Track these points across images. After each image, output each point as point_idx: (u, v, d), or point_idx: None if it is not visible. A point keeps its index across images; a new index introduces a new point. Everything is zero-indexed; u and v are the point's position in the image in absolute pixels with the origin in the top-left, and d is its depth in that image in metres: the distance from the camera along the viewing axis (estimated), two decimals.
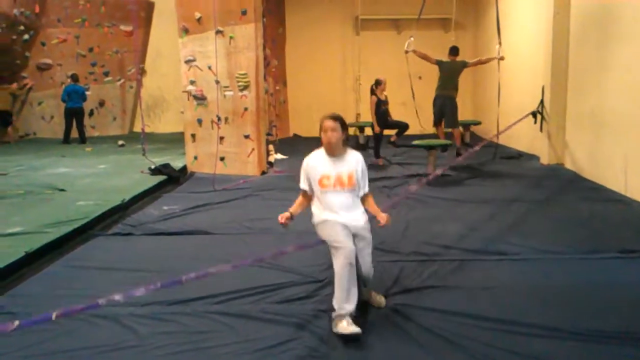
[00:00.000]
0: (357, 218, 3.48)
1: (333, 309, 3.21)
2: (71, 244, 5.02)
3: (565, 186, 7.20)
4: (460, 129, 10.35)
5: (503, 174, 8.26)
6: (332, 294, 3.62)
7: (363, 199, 3.60)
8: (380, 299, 3.63)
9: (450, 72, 9.58)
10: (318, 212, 3.49)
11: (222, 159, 8.58)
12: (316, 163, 3.51)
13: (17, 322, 2.28)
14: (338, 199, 3.43)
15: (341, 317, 3.15)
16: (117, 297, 2.92)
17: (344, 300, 3.17)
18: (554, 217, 5.71)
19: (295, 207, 3.58)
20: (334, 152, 3.47)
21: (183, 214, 6.09)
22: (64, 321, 3.30)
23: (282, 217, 3.48)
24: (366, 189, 3.58)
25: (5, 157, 10.41)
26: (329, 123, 3.42)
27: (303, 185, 3.58)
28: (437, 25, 14.54)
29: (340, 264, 3.20)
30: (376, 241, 4.70)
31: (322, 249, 4.58)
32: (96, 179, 7.92)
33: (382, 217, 3.49)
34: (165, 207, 6.38)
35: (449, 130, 9.82)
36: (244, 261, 3.96)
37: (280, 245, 4.77)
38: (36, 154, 10.82)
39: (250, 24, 8.33)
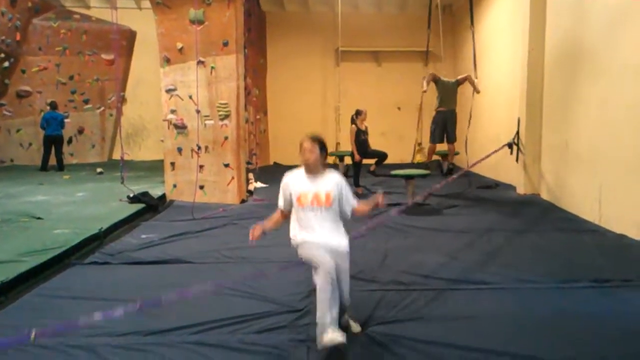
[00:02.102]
0: (338, 242, 3.49)
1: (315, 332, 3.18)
2: (48, 273, 4.95)
3: (542, 216, 7.31)
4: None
5: (481, 203, 8.36)
6: (311, 323, 3.63)
7: (354, 212, 3.63)
8: (356, 326, 3.64)
9: (448, 88, 9.82)
10: (298, 233, 3.50)
11: (201, 187, 8.58)
12: (295, 181, 3.55)
13: None
14: (316, 217, 3.45)
15: (324, 328, 3.14)
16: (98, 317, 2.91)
17: (327, 314, 3.15)
18: (531, 246, 5.79)
19: (269, 223, 3.60)
20: (312, 172, 3.52)
21: (161, 242, 6.05)
22: (39, 351, 3.26)
23: (254, 233, 3.49)
24: (354, 203, 3.63)
25: None
26: (307, 144, 3.47)
27: (280, 202, 3.62)
28: (416, 57, 14.81)
29: (322, 280, 3.20)
30: (355, 270, 4.74)
31: (301, 277, 4.61)
32: (74, 207, 7.84)
33: (378, 197, 3.57)
34: (143, 236, 6.35)
35: (449, 144, 9.92)
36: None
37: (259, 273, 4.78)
38: (13, 181, 10.68)
39: (232, 55, 8.43)
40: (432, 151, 10.18)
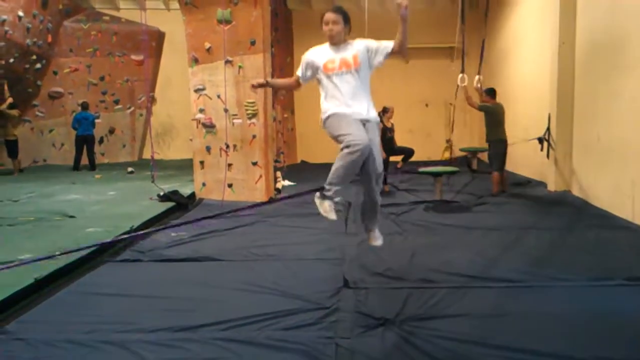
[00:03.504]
0: (368, 111, 3.42)
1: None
2: (80, 271, 5.05)
3: (573, 213, 7.19)
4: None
5: (511, 200, 8.26)
6: (339, 320, 3.63)
7: (395, 47, 3.56)
8: (377, 237, 3.62)
9: (499, 115, 8.84)
10: (326, 104, 3.44)
11: (230, 185, 8.65)
12: (320, 51, 3.52)
13: None
14: (345, 83, 3.39)
15: (325, 197, 3.07)
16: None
17: (335, 182, 3.08)
18: (563, 244, 5.69)
19: (277, 80, 3.62)
20: (336, 43, 3.48)
21: (191, 240, 6.12)
22: (71, 347, 3.33)
23: (257, 81, 3.53)
24: (388, 44, 3.55)
25: (15, 183, 10.53)
26: (330, 15, 3.43)
27: (299, 71, 3.59)
28: (444, 54, 14.70)
29: (349, 157, 3.11)
30: (382, 268, 4.76)
31: (329, 275, 4.62)
32: (106, 206, 7.98)
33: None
34: (173, 234, 6.42)
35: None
36: None
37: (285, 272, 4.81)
38: (47, 180, 10.92)
39: (259, 54, 8.48)
40: (497, 181, 8.82)
